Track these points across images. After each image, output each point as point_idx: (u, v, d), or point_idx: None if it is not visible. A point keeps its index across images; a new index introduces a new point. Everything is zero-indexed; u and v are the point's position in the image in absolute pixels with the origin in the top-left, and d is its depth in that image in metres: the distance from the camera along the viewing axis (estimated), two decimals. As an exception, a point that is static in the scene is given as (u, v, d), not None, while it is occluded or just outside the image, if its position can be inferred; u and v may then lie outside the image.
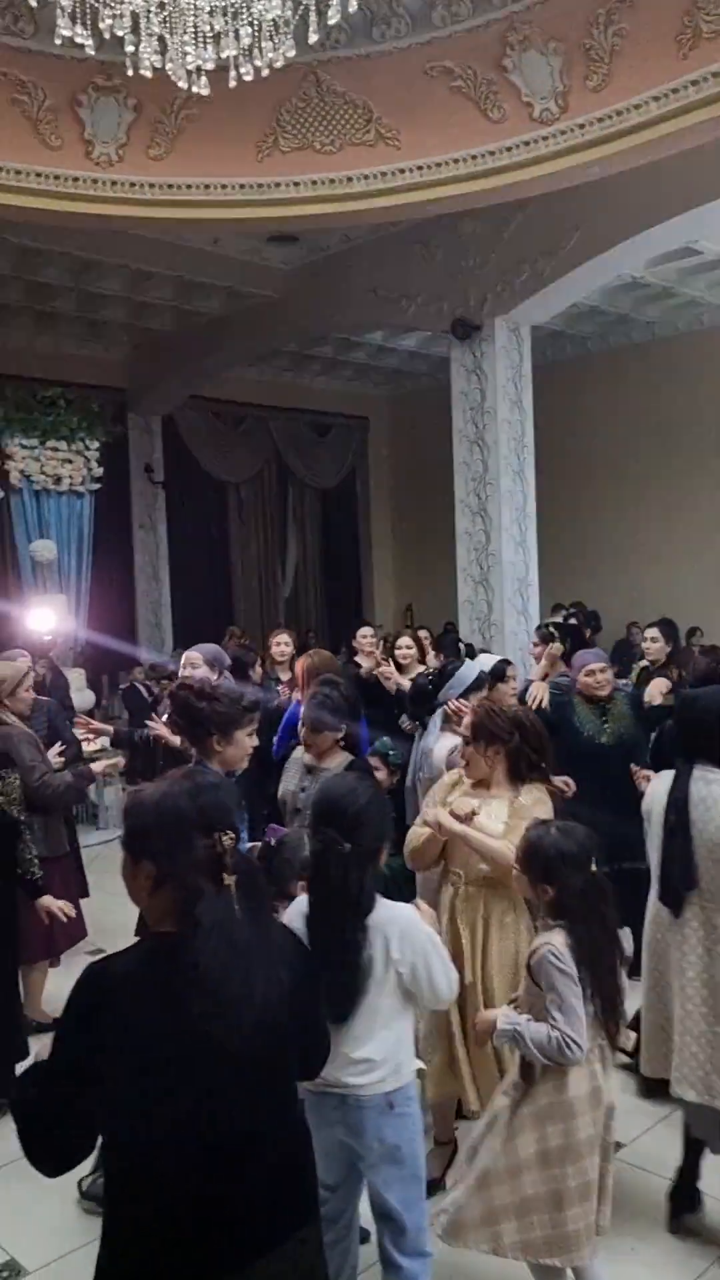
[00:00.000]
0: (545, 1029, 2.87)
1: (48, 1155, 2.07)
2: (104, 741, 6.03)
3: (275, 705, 5.59)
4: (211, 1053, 2.01)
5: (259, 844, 3.84)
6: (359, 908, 2.81)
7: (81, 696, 9.48)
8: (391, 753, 4.95)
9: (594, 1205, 2.91)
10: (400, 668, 6.53)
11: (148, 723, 4.89)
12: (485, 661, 5.45)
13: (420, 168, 7.32)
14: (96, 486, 10.29)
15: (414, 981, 2.85)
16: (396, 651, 6.75)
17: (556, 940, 2.90)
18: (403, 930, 2.84)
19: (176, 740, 4.32)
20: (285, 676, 6.50)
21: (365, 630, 7.59)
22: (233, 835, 2.13)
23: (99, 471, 10.25)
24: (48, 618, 9.16)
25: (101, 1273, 2.09)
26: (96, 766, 5.26)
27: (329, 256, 10.45)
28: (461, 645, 8.62)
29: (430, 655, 6.99)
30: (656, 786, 3.56)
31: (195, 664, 5.19)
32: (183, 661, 5.30)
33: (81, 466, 10.06)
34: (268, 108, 7.20)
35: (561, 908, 2.95)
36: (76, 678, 9.62)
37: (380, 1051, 2.84)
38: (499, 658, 5.74)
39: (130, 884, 2.13)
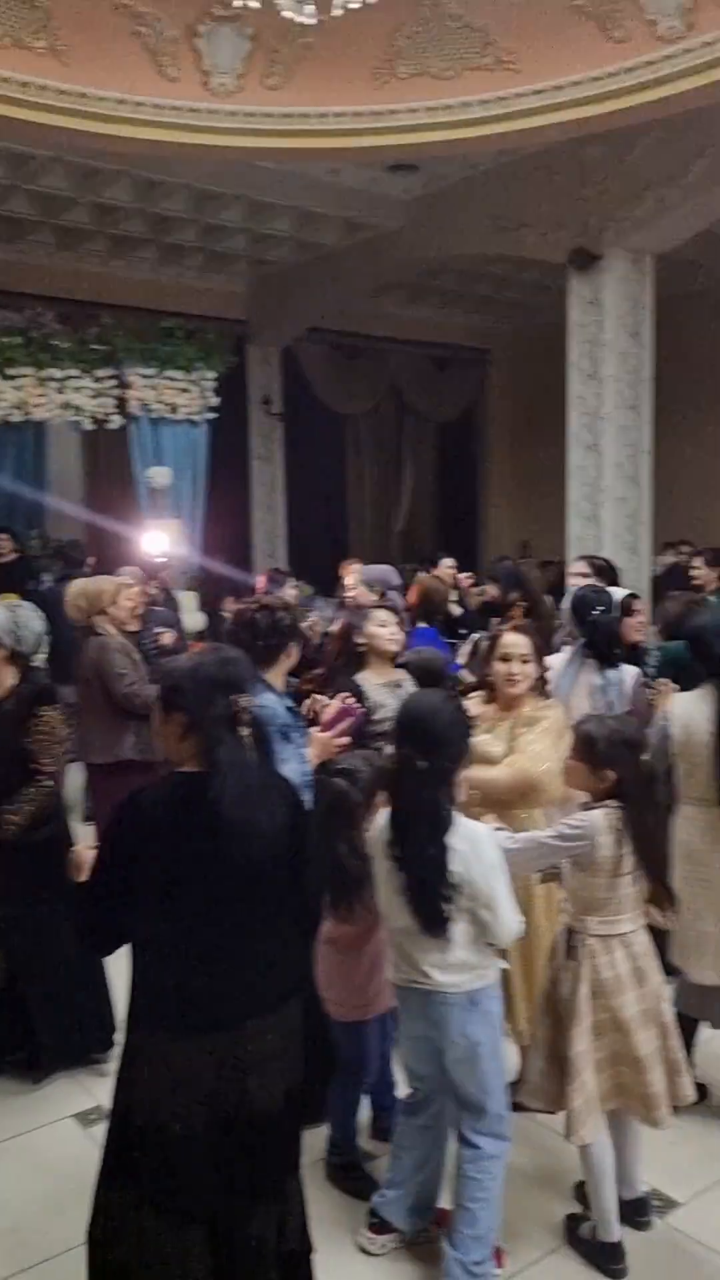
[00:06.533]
0: (552, 831, 3.20)
1: (101, 949, 2.72)
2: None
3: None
4: (225, 867, 2.45)
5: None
6: (436, 825, 2.92)
7: (192, 619, 9.64)
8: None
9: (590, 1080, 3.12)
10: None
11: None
12: (616, 594, 5.41)
13: (539, 91, 7.18)
14: (212, 416, 10.46)
15: (475, 900, 2.93)
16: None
17: (593, 816, 3.12)
18: (473, 847, 2.94)
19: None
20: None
21: (447, 561, 8.48)
22: (248, 697, 2.58)
23: (214, 401, 10.44)
24: (160, 540, 9.48)
25: (132, 1003, 2.55)
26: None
27: (449, 186, 10.28)
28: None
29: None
30: (685, 706, 3.98)
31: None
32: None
33: (197, 396, 10.27)
34: (384, 34, 7.14)
35: (621, 791, 3.15)
36: (189, 600, 9.85)
37: (465, 955, 2.98)
38: (627, 591, 5.70)
39: (162, 731, 2.57)
